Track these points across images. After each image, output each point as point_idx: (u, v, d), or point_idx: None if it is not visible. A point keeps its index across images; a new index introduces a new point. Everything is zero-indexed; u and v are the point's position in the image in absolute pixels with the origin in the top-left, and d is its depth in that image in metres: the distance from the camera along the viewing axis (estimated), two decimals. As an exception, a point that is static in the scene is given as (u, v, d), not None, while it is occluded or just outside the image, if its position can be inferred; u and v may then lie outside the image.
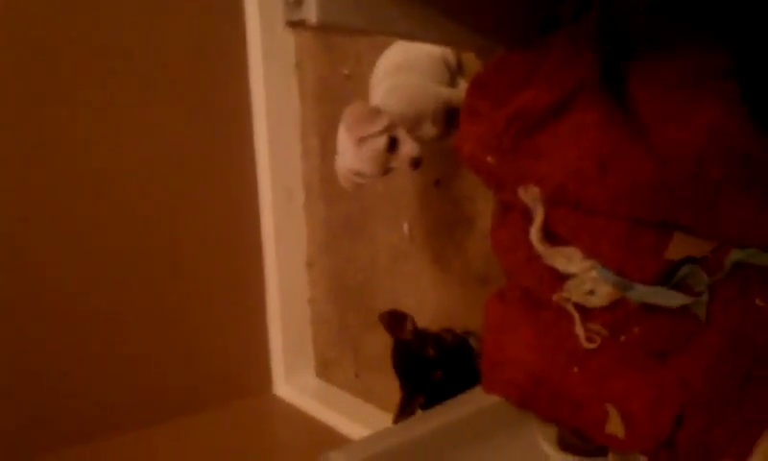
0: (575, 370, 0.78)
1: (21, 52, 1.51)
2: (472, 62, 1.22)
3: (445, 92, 1.16)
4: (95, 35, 1.61)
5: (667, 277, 0.70)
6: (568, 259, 0.77)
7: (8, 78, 1.50)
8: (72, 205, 1.60)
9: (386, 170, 1.07)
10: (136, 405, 1.71)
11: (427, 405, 1.07)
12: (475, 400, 0.89)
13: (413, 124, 1.11)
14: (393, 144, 1.04)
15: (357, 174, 1.08)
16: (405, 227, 1.52)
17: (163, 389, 1.75)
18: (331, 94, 1.74)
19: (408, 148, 1.05)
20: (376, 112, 1.04)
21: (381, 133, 1.03)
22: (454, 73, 1.23)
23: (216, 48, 1.80)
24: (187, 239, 1.78)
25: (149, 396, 1.73)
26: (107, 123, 1.64)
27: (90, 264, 1.63)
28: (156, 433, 1.68)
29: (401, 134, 1.05)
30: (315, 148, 1.83)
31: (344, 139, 1.08)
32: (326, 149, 1.78)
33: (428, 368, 1.10)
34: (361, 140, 1.04)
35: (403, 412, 1.09)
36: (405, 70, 1.16)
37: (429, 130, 1.14)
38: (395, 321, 1.19)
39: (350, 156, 1.06)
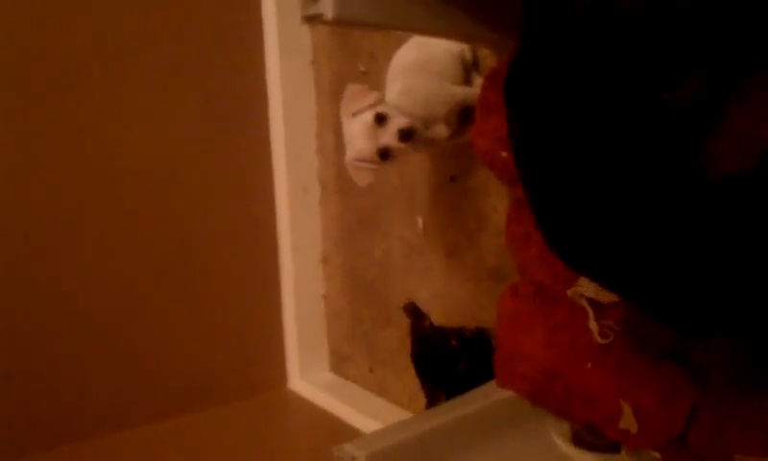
0: (588, 365, 0.78)
1: (27, 44, 1.51)
2: (488, 59, 1.22)
3: (460, 93, 1.16)
4: (107, 28, 1.61)
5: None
6: (582, 255, 0.77)
7: (14, 71, 1.50)
8: (85, 199, 1.61)
9: (381, 148, 1.09)
10: (151, 400, 1.72)
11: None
12: (489, 395, 0.89)
13: (426, 126, 1.12)
14: (381, 119, 1.07)
15: (358, 159, 1.11)
16: (419, 222, 1.52)
17: (178, 384, 1.76)
18: (347, 90, 1.75)
19: (396, 121, 1.07)
20: (366, 90, 1.09)
21: (370, 107, 1.08)
22: (470, 70, 1.23)
23: (233, 44, 1.80)
24: (203, 235, 1.79)
25: (164, 390, 1.74)
26: (121, 119, 1.64)
27: (105, 259, 1.64)
28: (171, 428, 1.69)
29: (390, 110, 1.08)
30: (330, 144, 1.84)
31: (344, 129, 1.13)
32: (342, 145, 1.78)
33: (452, 360, 1.10)
34: (353, 117, 1.09)
35: None
36: (421, 69, 1.16)
37: (442, 131, 1.15)
38: (416, 314, 1.20)
39: (348, 140, 1.11)
